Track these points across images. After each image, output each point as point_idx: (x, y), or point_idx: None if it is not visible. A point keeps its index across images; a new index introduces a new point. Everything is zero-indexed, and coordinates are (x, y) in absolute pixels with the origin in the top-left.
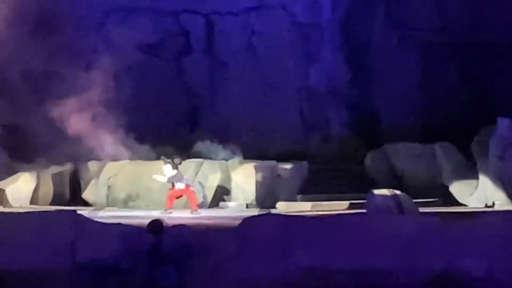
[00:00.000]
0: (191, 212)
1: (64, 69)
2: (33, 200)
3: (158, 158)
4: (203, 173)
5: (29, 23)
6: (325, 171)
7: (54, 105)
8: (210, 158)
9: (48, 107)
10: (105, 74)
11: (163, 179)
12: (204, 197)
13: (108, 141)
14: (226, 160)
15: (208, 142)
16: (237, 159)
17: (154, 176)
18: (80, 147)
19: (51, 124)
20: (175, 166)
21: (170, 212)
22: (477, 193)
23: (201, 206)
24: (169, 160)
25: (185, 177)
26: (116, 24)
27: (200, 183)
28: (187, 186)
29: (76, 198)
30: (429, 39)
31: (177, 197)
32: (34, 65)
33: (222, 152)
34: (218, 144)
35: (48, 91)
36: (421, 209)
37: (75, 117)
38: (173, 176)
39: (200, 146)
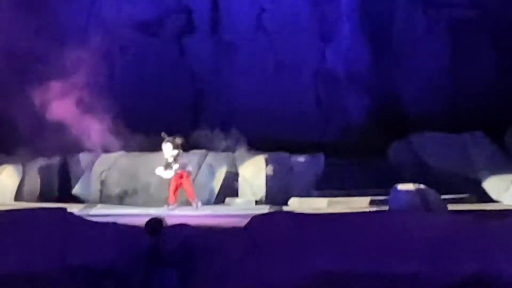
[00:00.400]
0: (193, 205)
1: (51, 51)
2: (18, 196)
3: (156, 149)
4: (207, 166)
5: None
6: (343, 164)
7: (40, 90)
8: (215, 150)
9: (33, 93)
10: (97, 57)
11: (167, 174)
12: (210, 193)
13: (100, 130)
14: (233, 151)
15: (212, 132)
16: (245, 151)
17: (157, 171)
18: (70, 137)
19: (37, 111)
20: (176, 146)
21: (174, 209)
22: None
23: (205, 203)
24: (170, 138)
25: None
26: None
27: (203, 176)
28: (182, 172)
29: (66, 194)
30: (460, 16)
31: (177, 188)
32: (18, 46)
33: (227, 142)
34: (224, 134)
35: (34, 75)
36: (450, 207)
37: (64, 104)
38: (178, 167)
39: (203, 136)
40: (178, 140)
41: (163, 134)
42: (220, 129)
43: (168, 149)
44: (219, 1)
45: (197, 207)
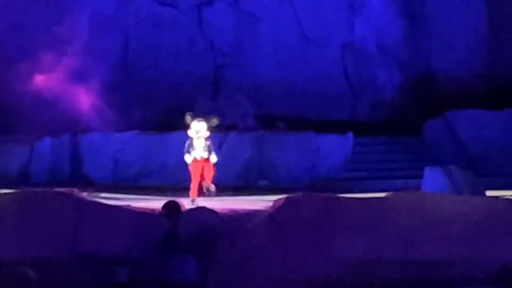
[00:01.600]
0: (206, 190)
1: (62, 22)
2: (26, 178)
3: (172, 128)
4: (229, 146)
5: None
6: (374, 144)
7: (49, 63)
8: (237, 129)
9: (42, 67)
10: (110, 29)
11: (213, 158)
12: (232, 175)
13: (112, 108)
14: (256, 131)
15: (234, 110)
16: (269, 130)
17: (186, 158)
18: (80, 115)
19: (45, 87)
20: (210, 128)
21: (198, 203)
22: None
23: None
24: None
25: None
26: None
27: (225, 158)
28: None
29: (77, 175)
30: None
31: (202, 180)
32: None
33: (250, 121)
34: (246, 112)
35: (44, 47)
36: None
37: (74, 79)
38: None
39: (225, 113)
40: (215, 121)
41: (188, 116)
42: (242, 107)
43: (202, 128)
44: None
45: (209, 194)
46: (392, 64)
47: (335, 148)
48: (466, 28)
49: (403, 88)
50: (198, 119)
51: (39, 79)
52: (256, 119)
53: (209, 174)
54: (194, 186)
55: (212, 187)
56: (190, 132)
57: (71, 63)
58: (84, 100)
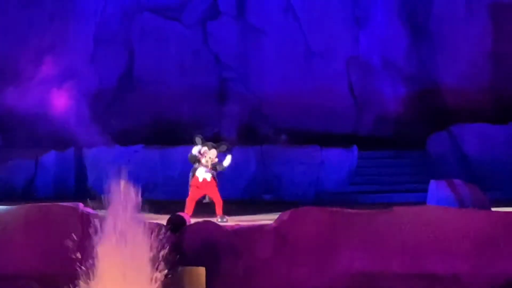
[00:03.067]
0: (219, 220)
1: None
2: (31, 192)
3: (177, 142)
4: (234, 160)
5: None
6: (379, 157)
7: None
8: (241, 143)
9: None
10: (115, 43)
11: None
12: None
13: (117, 121)
14: (261, 144)
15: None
16: (273, 143)
17: (198, 173)
18: (85, 129)
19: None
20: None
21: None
22: None
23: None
24: (213, 144)
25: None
26: None
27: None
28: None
29: (82, 188)
30: (502, 0)
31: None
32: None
33: (255, 134)
34: (251, 125)
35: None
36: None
37: (77, 94)
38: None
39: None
40: (224, 147)
41: (198, 138)
42: (247, 120)
43: (212, 155)
44: None
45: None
46: (396, 78)
47: (339, 161)
48: (471, 42)
49: (408, 102)
50: (208, 145)
51: (44, 93)
52: (259, 132)
53: (217, 201)
54: (189, 205)
55: (225, 218)
56: (197, 154)
57: (76, 77)
58: (89, 113)
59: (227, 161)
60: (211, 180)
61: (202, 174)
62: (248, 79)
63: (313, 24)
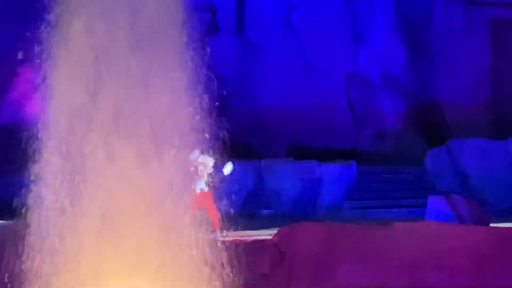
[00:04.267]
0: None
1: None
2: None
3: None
4: (232, 175)
5: None
6: (377, 172)
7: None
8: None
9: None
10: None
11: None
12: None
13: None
14: (260, 159)
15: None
16: (272, 158)
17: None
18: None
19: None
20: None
21: None
22: None
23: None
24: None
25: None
26: None
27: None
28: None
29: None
30: (501, 16)
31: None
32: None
33: (254, 149)
34: (250, 140)
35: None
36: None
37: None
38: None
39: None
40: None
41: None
42: (246, 135)
43: (208, 164)
44: None
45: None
46: (395, 93)
47: (338, 177)
48: (469, 57)
49: (406, 117)
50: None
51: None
52: (258, 147)
53: (213, 214)
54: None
55: (224, 233)
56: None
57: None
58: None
59: (228, 169)
60: (208, 191)
61: (199, 185)
62: (247, 94)
63: (313, 40)
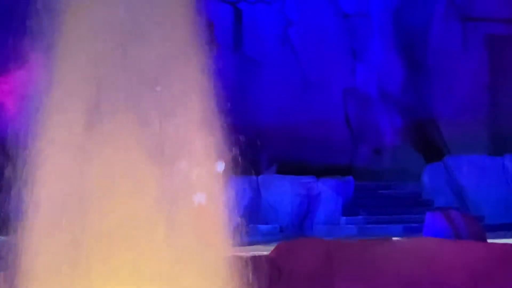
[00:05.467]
0: None
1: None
2: None
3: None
4: (228, 190)
5: None
6: (375, 188)
7: None
8: (237, 173)
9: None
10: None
11: None
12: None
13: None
14: (257, 174)
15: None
16: (270, 174)
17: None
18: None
19: None
20: None
21: None
22: None
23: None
24: None
25: None
26: None
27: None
28: None
29: None
30: (499, 32)
31: None
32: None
33: (251, 165)
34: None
35: None
36: (491, 236)
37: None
38: None
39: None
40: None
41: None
42: (243, 150)
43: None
44: (242, 14)
45: None
46: (393, 109)
47: (335, 192)
48: (467, 74)
49: (404, 133)
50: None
51: None
52: (255, 163)
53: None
54: None
55: None
56: None
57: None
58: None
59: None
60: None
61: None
62: (244, 110)
63: (310, 56)
